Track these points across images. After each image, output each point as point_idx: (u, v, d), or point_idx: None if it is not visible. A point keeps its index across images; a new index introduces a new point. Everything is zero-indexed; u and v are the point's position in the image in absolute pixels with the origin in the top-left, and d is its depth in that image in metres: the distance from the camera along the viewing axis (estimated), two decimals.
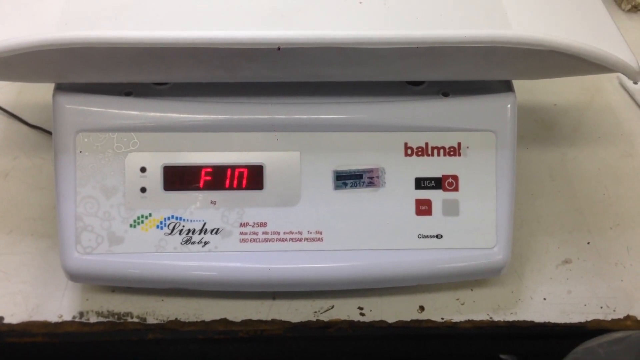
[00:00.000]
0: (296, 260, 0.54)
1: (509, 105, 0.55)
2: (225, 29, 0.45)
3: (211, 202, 0.54)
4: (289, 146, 0.55)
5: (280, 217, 0.54)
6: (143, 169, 0.54)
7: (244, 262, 0.54)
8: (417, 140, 0.55)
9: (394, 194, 0.55)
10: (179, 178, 0.54)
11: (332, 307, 0.58)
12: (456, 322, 0.57)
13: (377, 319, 0.57)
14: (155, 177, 0.54)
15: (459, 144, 0.55)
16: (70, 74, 0.51)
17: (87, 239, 0.53)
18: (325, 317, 0.57)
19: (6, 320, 0.56)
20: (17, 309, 0.56)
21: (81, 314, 0.56)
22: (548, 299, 0.59)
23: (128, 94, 0.54)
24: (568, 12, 0.52)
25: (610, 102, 0.78)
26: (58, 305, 0.57)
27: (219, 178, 0.54)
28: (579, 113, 0.76)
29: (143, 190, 0.54)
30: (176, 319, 0.56)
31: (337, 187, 0.55)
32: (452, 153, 0.55)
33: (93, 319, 0.56)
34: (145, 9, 0.48)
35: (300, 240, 0.54)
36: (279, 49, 0.45)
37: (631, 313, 0.58)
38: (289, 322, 0.57)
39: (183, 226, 0.54)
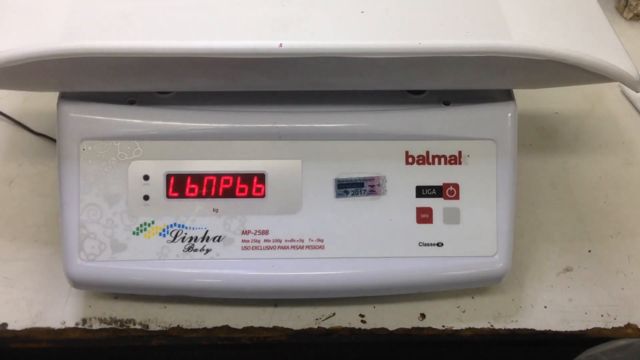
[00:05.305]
0: (297, 268, 0.54)
1: (509, 114, 0.55)
2: (228, 39, 0.46)
3: (213, 210, 0.54)
4: (291, 154, 0.55)
5: (281, 224, 0.55)
6: (146, 177, 0.54)
7: (245, 270, 0.54)
8: (418, 148, 0.55)
9: (395, 202, 0.55)
10: (181, 186, 0.54)
11: (334, 314, 0.58)
12: (457, 330, 0.57)
13: (378, 326, 0.57)
14: (158, 185, 0.54)
15: (460, 152, 0.56)
16: (75, 83, 0.52)
17: (90, 246, 0.53)
18: (326, 325, 0.57)
19: (10, 327, 0.56)
20: (20, 316, 0.57)
21: (84, 321, 0.57)
22: (549, 307, 0.59)
23: (132, 102, 0.55)
24: (568, 21, 0.52)
25: (612, 110, 0.78)
26: (61, 311, 0.57)
27: (221, 186, 0.54)
28: (580, 121, 0.77)
29: (146, 198, 0.54)
30: (178, 325, 0.57)
31: (338, 195, 0.55)
32: (452, 161, 0.56)
33: (96, 325, 0.56)
34: (148, 19, 0.49)
35: (301, 248, 0.55)
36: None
37: (632, 321, 0.58)
38: (291, 330, 0.57)
39: (185, 234, 0.54)
